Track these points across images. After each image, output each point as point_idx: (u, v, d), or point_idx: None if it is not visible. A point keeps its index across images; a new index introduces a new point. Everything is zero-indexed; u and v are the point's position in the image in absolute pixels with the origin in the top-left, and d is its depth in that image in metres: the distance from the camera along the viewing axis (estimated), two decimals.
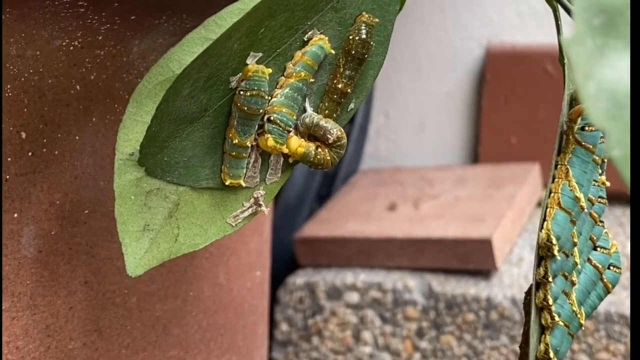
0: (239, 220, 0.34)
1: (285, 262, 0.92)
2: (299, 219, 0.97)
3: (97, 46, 0.35)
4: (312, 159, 0.33)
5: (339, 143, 0.33)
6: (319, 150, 0.33)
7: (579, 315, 0.35)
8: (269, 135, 0.32)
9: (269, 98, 0.32)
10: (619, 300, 0.75)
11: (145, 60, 0.38)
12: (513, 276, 0.81)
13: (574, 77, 0.19)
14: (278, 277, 0.86)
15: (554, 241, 0.33)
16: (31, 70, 0.33)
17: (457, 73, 1.06)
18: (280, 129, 0.32)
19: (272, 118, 0.32)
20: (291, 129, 0.33)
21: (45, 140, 0.34)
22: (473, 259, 0.81)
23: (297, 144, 0.33)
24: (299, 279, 0.87)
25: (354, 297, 0.84)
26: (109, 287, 0.38)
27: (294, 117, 0.33)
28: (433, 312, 0.81)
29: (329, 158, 0.33)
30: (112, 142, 0.37)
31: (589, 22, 0.20)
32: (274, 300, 0.86)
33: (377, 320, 0.83)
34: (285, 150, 0.33)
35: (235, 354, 0.48)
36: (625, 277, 0.76)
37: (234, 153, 0.32)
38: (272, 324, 0.87)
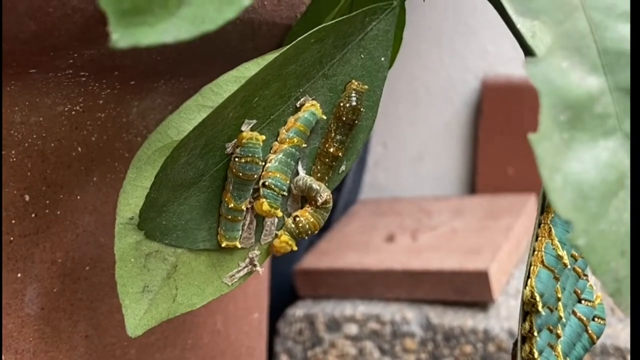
0: (235, 280, 0.35)
1: (284, 293, 0.93)
2: (299, 250, 0.98)
3: (98, 109, 0.36)
4: (296, 233, 0.34)
5: (326, 206, 0.35)
6: (299, 219, 0.34)
7: None
8: (264, 200, 0.33)
9: (263, 164, 0.33)
10: (614, 333, 0.76)
11: (144, 120, 0.39)
12: (510, 308, 0.82)
13: (540, 172, 0.20)
14: (277, 309, 0.87)
15: (538, 298, 0.34)
16: (35, 135, 0.34)
17: (454, 105, 1.08)
18: (275, 193, 0.33)
19: (267, 183, 0.33)
20: (285, 193, 0.34)
21: (47, 202, 0.35)
22: (470, 290, 0.82)
23: (278, 240, 0.35)
24: (298, 310, 0.88)
25: (352, 328, 0.85)
26: (109, 339, 0.39)
27: (288, 182, 0.34)
28: (431, 344, 0.82)
29: (312, 220, 0.35)
30: (112, 199, 0.38)
31: (556, 118, 0.21)
32: (273, 332, 0.87)
33: (376, 352, 0.84)
34: (280, 215, 0.34)
35: None
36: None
37: (230, 216, 0.33)
38: (272, 355, 0.88)
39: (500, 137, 1.04)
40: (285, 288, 0.93)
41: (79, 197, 0.37)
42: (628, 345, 0.74)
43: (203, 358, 0.45)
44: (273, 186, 0.33)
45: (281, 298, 0.91)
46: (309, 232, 0.34)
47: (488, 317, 0.81)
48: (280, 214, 0.34)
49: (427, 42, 1.08)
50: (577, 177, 0.21)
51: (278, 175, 0.33)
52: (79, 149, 0.36)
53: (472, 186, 1.08)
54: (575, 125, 0.21)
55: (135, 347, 0.40)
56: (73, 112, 0.36)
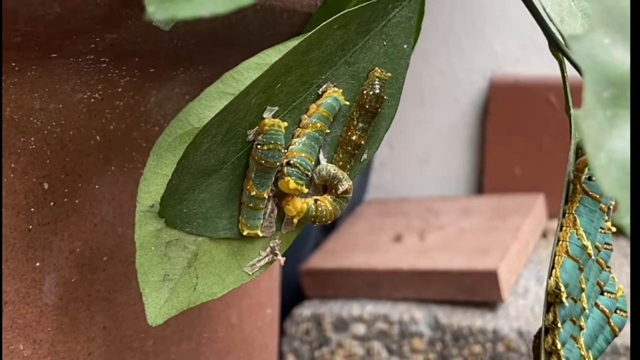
0: (256, 269, 0.34)
1: (291, 293, 0.93)
2: (305, 250, 0.98)
3: (116, 97, 0.36)
4: (312, 214, 0.34)
5: (346, 195, 0.34)
6: (319, 202, 0.34)
7: (587, 359, 0.36)
8: (289, 178, 0.32)
9: (285, 151, 0.33)
10: (625, 333, 0.76)
11: (162, 109, 0.39)
12: (519, 308, 0.82)
13: (586, 149, 0.20)
14: (284, 309, 0.87)
15: (562, 288, 0.34)
16: (54, 123, 0.34)
17: (461, 105, 1.08)
18: (300, 172, 0.33)
19: (291, 162, 0.33)
20: (309, 173, 0.33)
21: (66, 190, 0.35)
22: (479, 290, 0.82)
23: (300, 202, 0.33)
24: (305, 310, 0.87)
25: (360, 328, 0.85)
26: (127, 331, 0.39)
27: (312, 163, 0.33)
28: (439, 344, 0.81)
29: (330, 208, 0.34)
30: (130, 189, 0.38)
31: (599, 95, 0.21)
32: (280, 332, 0.86)
33: (384, 352, 0.84)
34: (306, 191, 0.33)
35: None
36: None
37: (251, 204, 0.33)
38: (279, 356, 0.87)
39: (507, 137, 1.04)
40: (292, 288, 0.92)
41: (97, 187, 0.36)
42: None
43: (218, 352, 0.45)
44: (298, 165, 0.33)
45: (288, 298, 0.91)
46: (324, 218, 0.34)
47: (497, 317, 0.81)
48: (306, 190, 0.33)
49: (434, 42, 1.08)
50: (621, 155, 0.20)
51: (303, 155, 0.33)
52: (98, 137, 0.36)
53: (480, 186, 1.07)
54: (619, 102, 0.21)
55: (152, 339, 0.40)
56: (92, 100, 0.35)
